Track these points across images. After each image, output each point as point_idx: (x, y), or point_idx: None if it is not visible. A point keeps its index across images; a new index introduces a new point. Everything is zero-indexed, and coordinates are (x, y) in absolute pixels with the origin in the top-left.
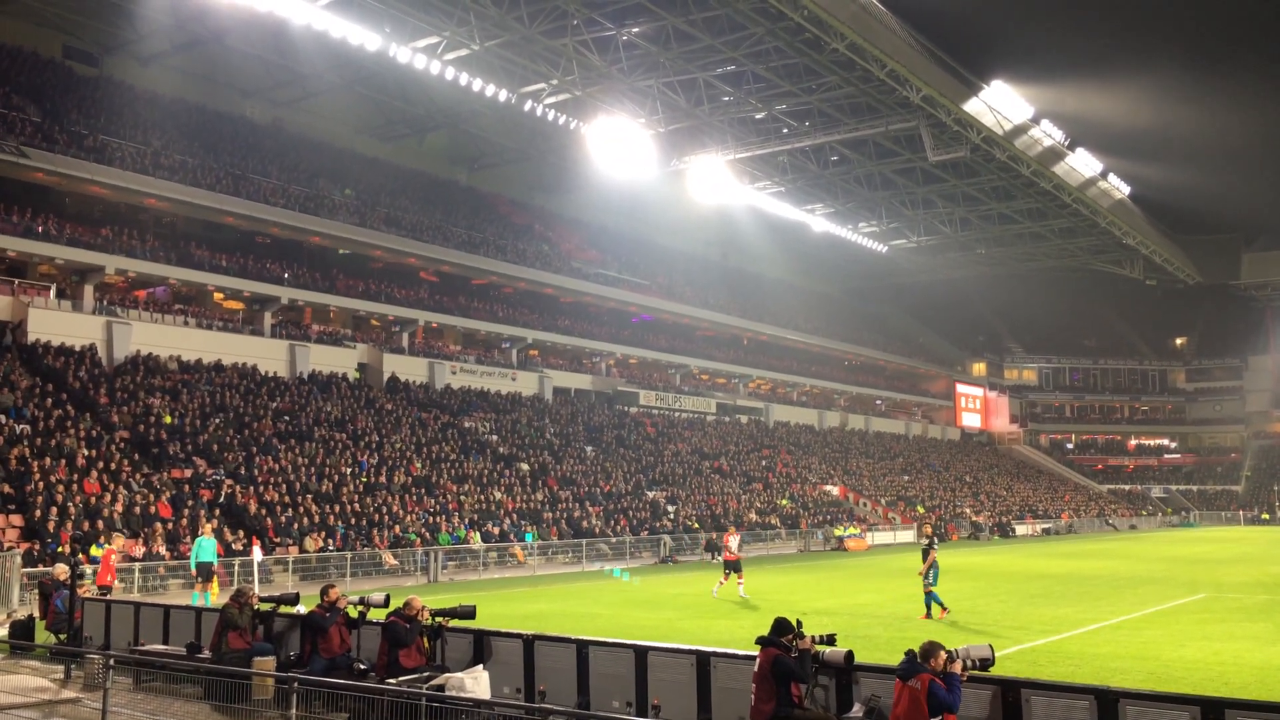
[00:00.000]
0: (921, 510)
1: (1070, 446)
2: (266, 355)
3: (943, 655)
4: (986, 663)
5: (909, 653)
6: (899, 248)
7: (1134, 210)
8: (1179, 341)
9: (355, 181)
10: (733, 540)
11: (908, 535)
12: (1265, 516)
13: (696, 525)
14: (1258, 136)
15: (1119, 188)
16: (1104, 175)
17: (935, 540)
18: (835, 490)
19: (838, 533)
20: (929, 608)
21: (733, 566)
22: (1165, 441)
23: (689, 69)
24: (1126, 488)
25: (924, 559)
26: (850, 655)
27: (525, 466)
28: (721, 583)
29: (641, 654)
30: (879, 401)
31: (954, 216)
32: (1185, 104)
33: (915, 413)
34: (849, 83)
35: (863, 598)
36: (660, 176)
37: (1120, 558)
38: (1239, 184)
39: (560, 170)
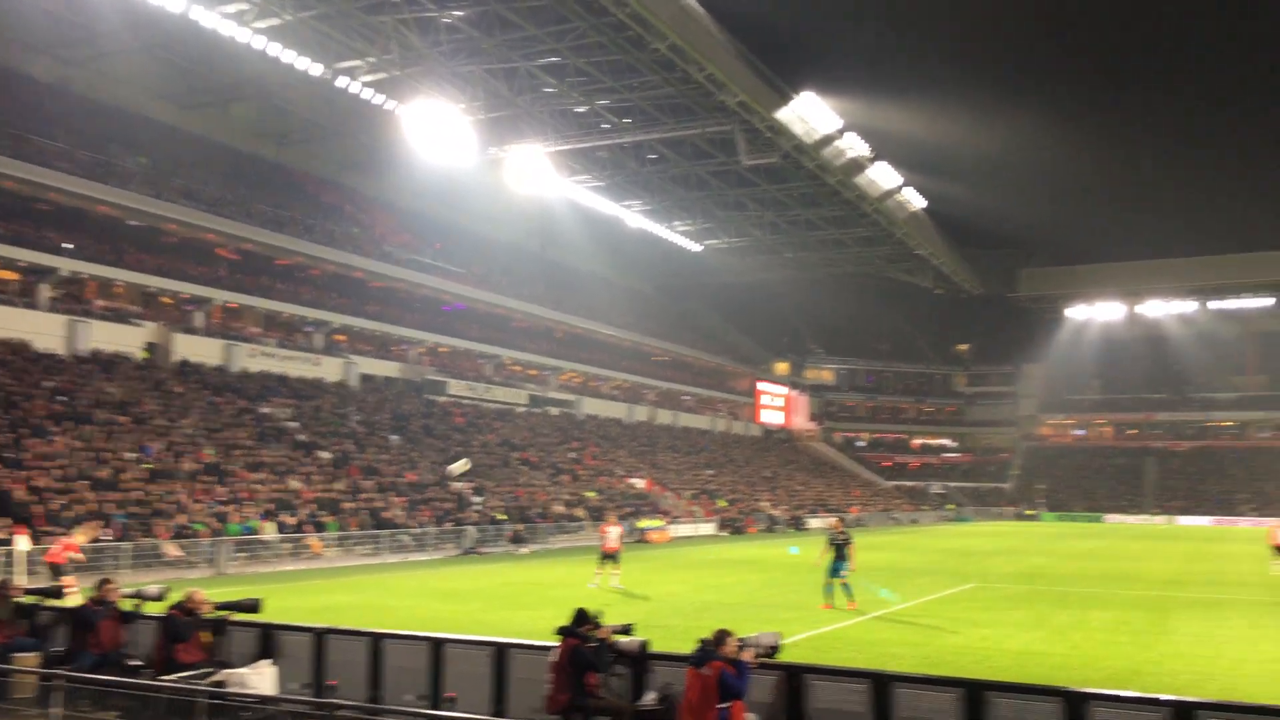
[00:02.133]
0: (724, 504)
1: (862, 444)
2: (42, 330)
3: (733, 643)
4: (774, 650)
5: (702, 641)
6: (712, 248)
7: (927, 223)
8: (961, 348)
9: (150, 150)
10: (612, 531)
11: (708, 528)
12: (1030, 512)
13: (504, 516)
14: (1038, 162)
15: (915, 201)
16: (901, 188)
17: (848, 535)
18: (641, 483)
19: (641, 525)
20: (829, 595)
21: (611, 558)
22: (946, 441)
23: (512, 57)
24: (910, 484)
25: (839, 554)
26: (645, 644)
27: (326, 455)
28: (598, 574)
29: (438, 646)
30: (687, 397)
31: (764, 220)
32: (978, 126)
33: (721, 409)
34: (669, 83)
35: (663, 588)
36: (479, 164)
37: (901, 550)
38: (1020, 204)
39: (375, 151)
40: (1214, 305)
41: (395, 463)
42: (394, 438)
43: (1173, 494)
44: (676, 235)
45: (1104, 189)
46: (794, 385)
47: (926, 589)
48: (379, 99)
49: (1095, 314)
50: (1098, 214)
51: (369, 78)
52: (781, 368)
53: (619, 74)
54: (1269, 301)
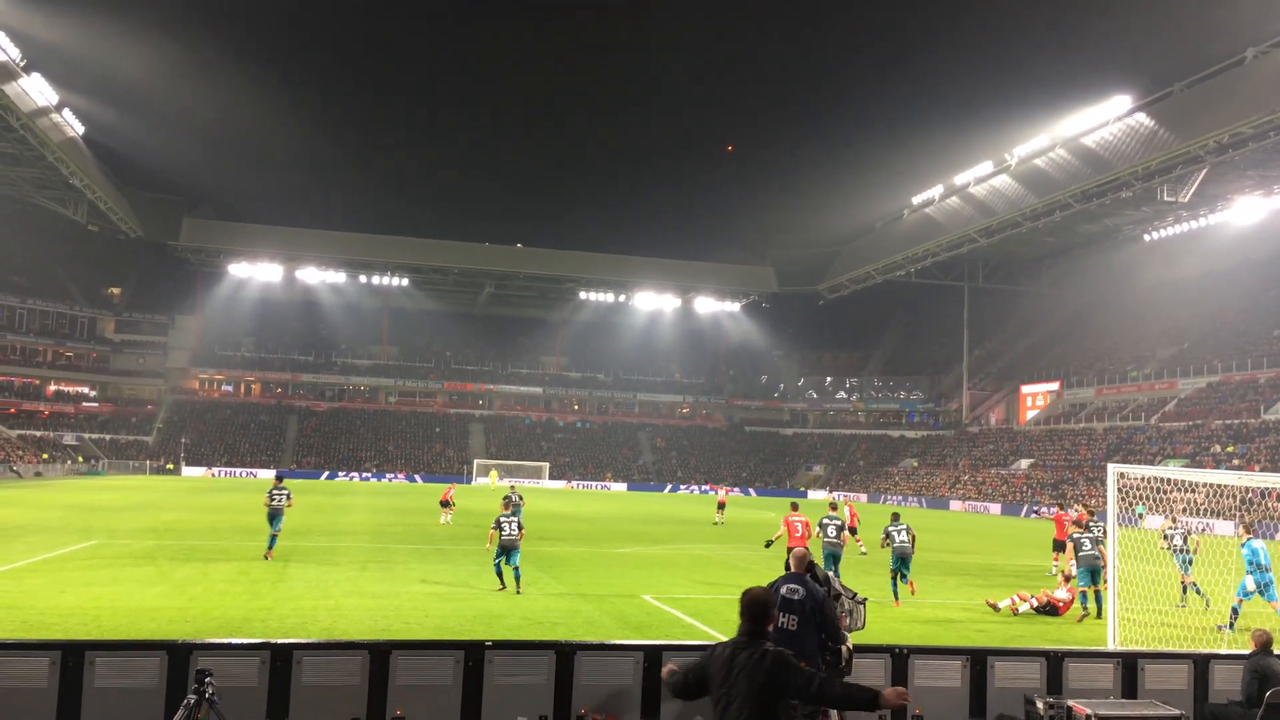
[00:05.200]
0: None
1: None
2: None
3: None
4: None
5: None
6: None
7: (85, 152)
8: (114, 291)
9: None
10: None
11: None
12: (170, 467)
13: None
14: (215, 113)
15: (73, 125)
16: (59, 109)
17: None
18: None
19: None
20: None
21: None
22: (86, 390)
23: None
24: (39, 434)
25: None
26: None
27: None
28: None
29: None
30: None
31: None
32: (159, 63)
33: None
34: None
35: None
36: None
37: (18, 505)
38: (191, 152)
39: None
40: (362, 279)
41: None
42: None
43: (310, 450)
44: None
45: (277, 154)
46: None
47: (39, 548)
48: None
49: (256, 273)
50: (269, 177)
51: None
52: None
53: None
54: (404, 281)
